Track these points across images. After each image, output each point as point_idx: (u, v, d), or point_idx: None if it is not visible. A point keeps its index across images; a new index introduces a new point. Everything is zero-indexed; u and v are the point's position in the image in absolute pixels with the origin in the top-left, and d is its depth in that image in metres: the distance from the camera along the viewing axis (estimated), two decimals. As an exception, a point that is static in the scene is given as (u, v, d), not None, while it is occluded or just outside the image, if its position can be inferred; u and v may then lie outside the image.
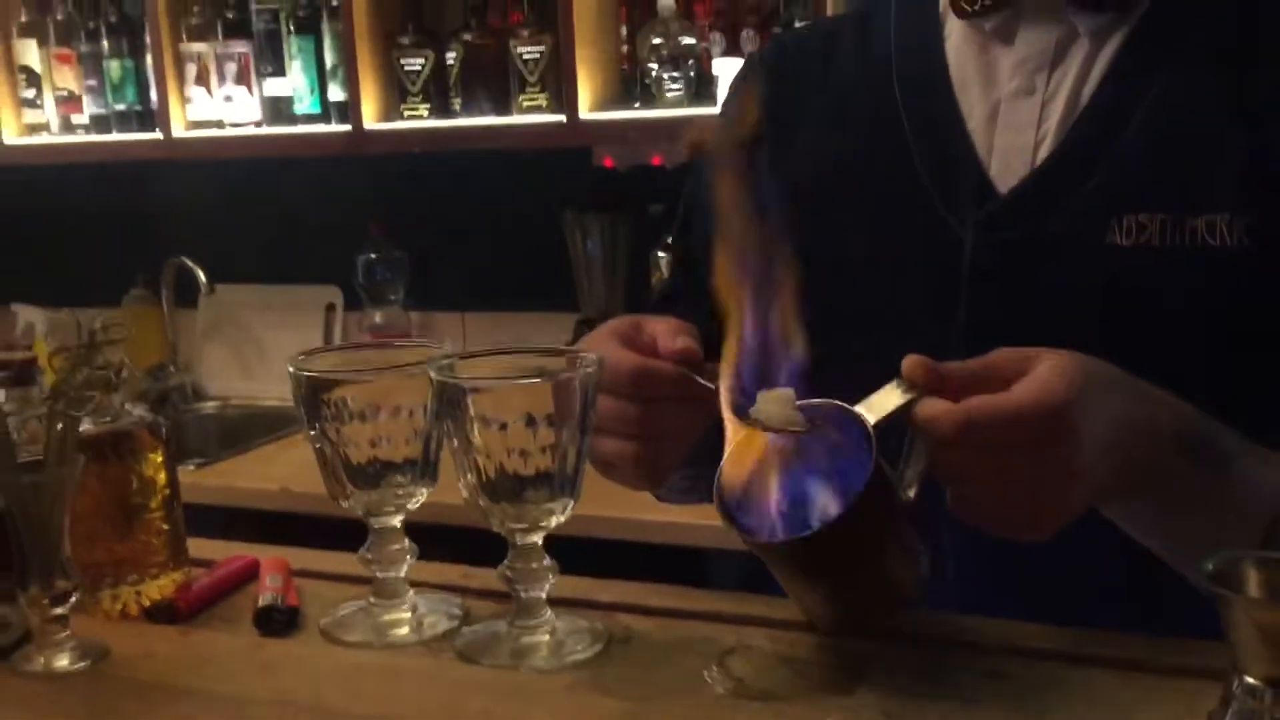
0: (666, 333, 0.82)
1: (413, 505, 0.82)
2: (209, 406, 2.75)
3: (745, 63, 1.14)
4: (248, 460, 2.32)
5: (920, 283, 0.95)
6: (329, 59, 2.38)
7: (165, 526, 0.87)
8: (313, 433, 0.79)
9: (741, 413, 0.74)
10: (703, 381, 0.78)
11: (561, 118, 2.19)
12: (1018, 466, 0.72)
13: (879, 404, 0.72)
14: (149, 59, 2.51)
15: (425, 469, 0.81)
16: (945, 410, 0.71)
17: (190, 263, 2.62)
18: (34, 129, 2.66)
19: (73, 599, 0.78)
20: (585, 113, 2.17)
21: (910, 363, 0.73)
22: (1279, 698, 0.63)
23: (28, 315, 2.86)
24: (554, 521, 0.77)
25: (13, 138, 2.66)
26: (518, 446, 0.74)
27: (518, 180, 2.49)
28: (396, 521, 0.82)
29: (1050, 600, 0.81)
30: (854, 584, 0.75)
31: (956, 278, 0.92)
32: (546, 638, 0.78)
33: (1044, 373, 0.72)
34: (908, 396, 0.72)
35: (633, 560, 1.79)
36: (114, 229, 2.84)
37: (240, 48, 2.46)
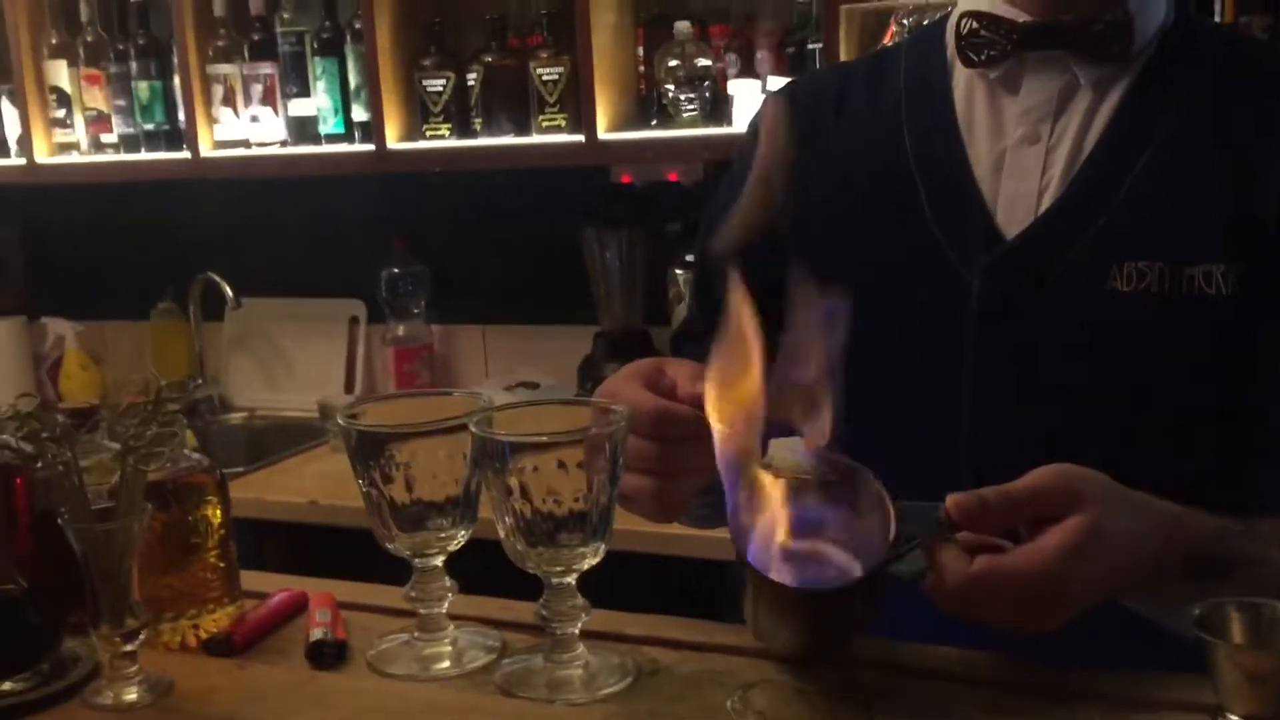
0: (686, 377, 0.87)
1: (453, 546, 0.87)
2: (235, 418, 2.80)
3: (763, 102, 1.18)
4: (275, 472, 2.38)
5: (927, 326, 0.99)
6: (352, 80, 2.43)
7: (221, 564, 0.93)
8: (361, 481, 0.84)
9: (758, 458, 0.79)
10: (718, 424, 0.83)
11: (580, 137, 2.24)
12: (1009, 616, 0.77)
13: (911, 515, 0.77)
14: (177, 80, 2.56)
15: (465, 511, 0.87)
16: (957, 570, 0.76)
17: (217, 278, 2.67)
18: (64, 148, 2.71)
19: (141, 636, 0.84)
20: (603, 132, 2.22)
21: (953, 502, 0.77)
22: (1260, 734, 0.68)
23: (58, 328, 2.92)
24: (586, 564, 0.82)
25: (44, 157, 2.71)
26: (552, 494, 0.79)
27: (537, 196, 2.54)
28: (438, 561, 0.87)
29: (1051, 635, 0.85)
30: (829, 631, 0.80)
31: (963, 322, 0.97)
32: (580, 671, 0.84)
33: (1059, 541, 0.75)
34: (936, 532, 0.77)
35: (654, 572, 1.84)
36: (142, 245, 2.89)
37: (266, 69, 2.51)
